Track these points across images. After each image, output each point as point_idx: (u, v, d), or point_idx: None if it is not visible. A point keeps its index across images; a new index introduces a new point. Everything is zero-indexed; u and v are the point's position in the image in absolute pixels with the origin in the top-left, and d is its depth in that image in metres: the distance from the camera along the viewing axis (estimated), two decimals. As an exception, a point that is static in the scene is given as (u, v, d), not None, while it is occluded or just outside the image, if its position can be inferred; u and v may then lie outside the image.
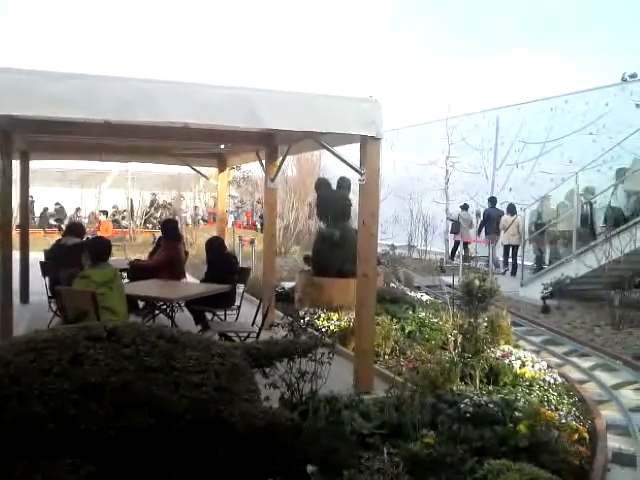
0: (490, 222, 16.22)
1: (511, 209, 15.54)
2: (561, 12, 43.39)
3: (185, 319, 7.82)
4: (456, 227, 17.46)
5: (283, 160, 8.25)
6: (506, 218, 15.43)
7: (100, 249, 6.19)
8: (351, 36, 56.99)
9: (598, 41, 41.37)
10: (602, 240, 10.61)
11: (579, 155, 14.78)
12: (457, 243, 17.33)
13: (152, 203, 26.15)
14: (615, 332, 9.00)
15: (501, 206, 16.74)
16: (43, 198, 26.06)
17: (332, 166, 15.89)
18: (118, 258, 12.18)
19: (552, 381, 6.22)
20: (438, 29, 51.56)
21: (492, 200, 16.67)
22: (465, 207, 17.69)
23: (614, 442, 4.98)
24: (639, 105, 13.87)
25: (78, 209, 25.62)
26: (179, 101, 5.08)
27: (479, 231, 17.00)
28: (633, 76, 14.63)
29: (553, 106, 16.80)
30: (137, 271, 8.66)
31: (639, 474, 4.42)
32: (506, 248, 15.50)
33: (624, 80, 14.83)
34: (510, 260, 15.29)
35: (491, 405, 4.90)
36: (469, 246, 17.52)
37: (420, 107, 41.06)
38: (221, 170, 10.97)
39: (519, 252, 14.35)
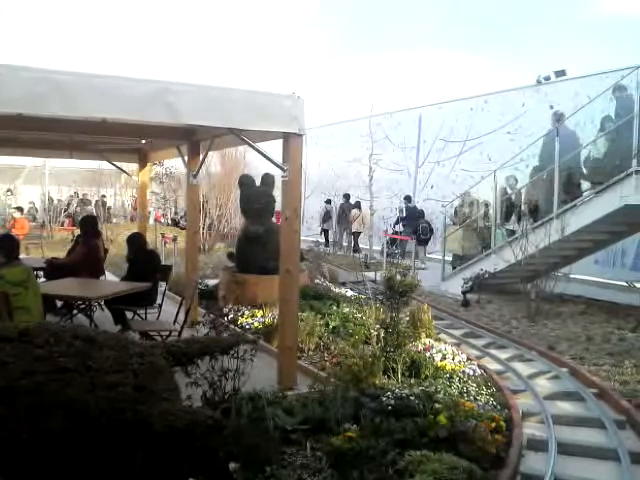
0: (344, 215, 19.91)
1: (357, 205, 19.39)
2: (480, 14, 44.57)
3: (105, 319, 7.62)
4: (327, 217, 20.82)
5: (205, 156, 8.15)
6: (354, 212, 19.25)
7: (11, 247, 5.94)
8: (276, 34, 56.89)
9: (515, 42, 42.76)
10: (519, 235, 10.97)
11: (498, 153, 15.22)
12: (327, 232, 20.93)
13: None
14: (531, 324, 9.34)
15: (424, 203, 17.64)
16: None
17: (257, 162, 15.81)
18: (34, 256, 11.78)
19: (471, 373, 6.39)
20: (359, 28, 52.02)
21: (346, 196, 20.04)
22: (328, 202, 20.92)
23: (529, 429, 5.18)
24: (553, 106, 14.40)
25: None
26: (95, 94, 4.91)
27: (338, 222, 20.44)
28: (547, 78, 15.20)
29: (473, 106, 17.25)
30: (54, 270, 8.37)
31: (551, 458, 4.59)
32: (354, 234, 19.24)
33: (539, 82, 15.39)
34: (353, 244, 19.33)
35: (412, 398, 4.99)
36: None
37: (345, 105, 41.42)
38: (142, 166, 10.72)
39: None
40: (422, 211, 17.38)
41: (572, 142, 10.66)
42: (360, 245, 19.11)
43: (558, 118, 11.27)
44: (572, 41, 35.51)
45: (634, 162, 9.14)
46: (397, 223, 17.82)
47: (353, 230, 19.24)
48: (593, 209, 9.69)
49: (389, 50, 51.79)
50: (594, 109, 10.69)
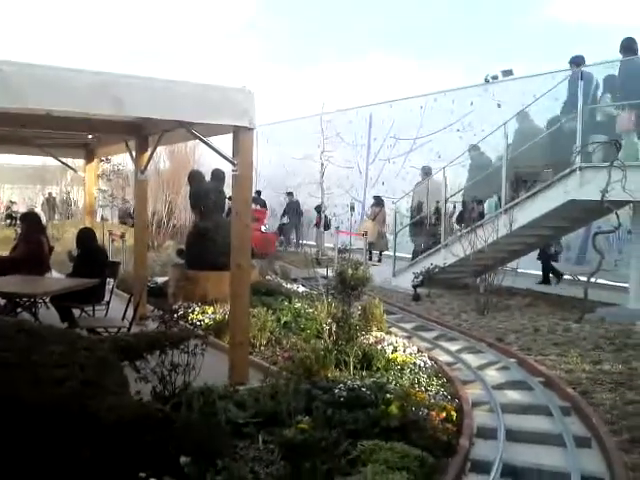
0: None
1: (261, 202, 20.71)
2: (427, 21, 44.97)
3: (50, 316, 7.42)
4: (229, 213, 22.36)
5: (154, 151, 8.04)
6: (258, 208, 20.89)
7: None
8: (224, 33, 56.48)
9: (462, 44, 43.37)
10: (467, 231, 11.15)
11: (447, 151, 15.41)
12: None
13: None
14: (480, 317, 9.48)
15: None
16: None
17: (208, 158, 15.67)
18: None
19: (422, 364, 6.44)
20: (308, 29, 51.98)
21: (258, 192, 20.81)
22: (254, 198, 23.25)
23: (479, 418, 5.25)
24: (500, 105, 14.67)
25: None
26: (38, 86, 4.76)
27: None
28: (494, 78, 15.50)
29: (423, 104, 17.45)
30: (-4, 267, 8.13)
31: (500, 446, 4.67)
32: (280, 227, 20.90)
33: (487, 81, 15.67)
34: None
35: (364, 389, 5.01)
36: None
37: (296, 103, 41.45)
38: (89, 161, 10.50)
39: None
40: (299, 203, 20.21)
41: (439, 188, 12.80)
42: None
43: (426, 172, 14.15)
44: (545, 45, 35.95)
45: (578, 159, 9.39)
46: (283, 216, 20.81)
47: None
48: (539, 204, 9.91)
49: (337, 52, 51.87)
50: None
